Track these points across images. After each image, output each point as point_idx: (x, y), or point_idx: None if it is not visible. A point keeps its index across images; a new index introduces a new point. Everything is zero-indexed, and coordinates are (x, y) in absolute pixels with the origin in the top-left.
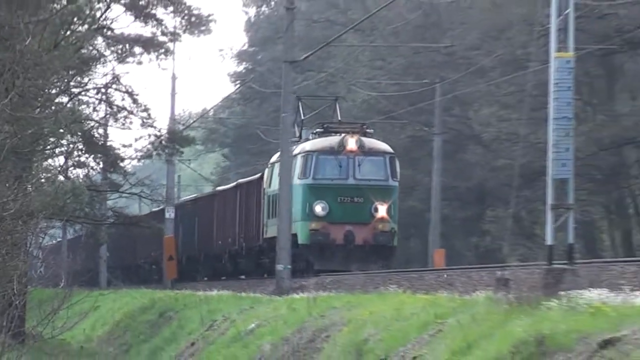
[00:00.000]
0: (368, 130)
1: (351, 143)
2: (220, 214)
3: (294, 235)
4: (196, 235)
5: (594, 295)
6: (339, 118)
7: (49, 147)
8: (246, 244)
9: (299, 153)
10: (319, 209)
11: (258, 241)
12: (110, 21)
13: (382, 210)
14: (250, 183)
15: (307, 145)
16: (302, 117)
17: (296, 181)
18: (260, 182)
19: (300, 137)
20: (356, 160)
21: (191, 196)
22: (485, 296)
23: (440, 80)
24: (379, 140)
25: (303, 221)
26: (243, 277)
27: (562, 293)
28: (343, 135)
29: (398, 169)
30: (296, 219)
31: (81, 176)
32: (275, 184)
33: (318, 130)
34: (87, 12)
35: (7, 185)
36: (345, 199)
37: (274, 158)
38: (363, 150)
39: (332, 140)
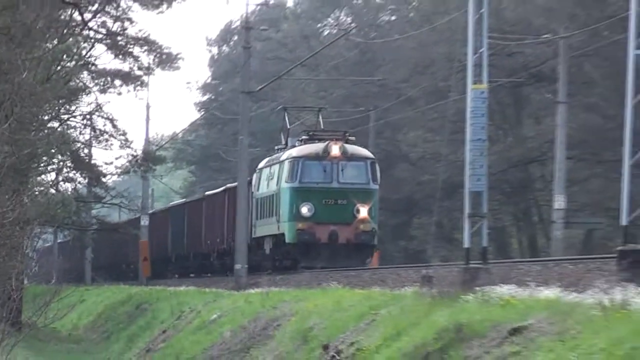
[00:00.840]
0: (350, 137)
1: (335, 149)
2: (209, 217)
3: (282, 235)
4: (185, 236)
5: (505, 290)
6: (322, 127)
7: (42, 164)
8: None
9: (286, 159)
10: (305, 210)
11: (246, 241)
12: (94, 58)
13: (363, 212)
14: (238, 188)
15: (294, 152)
16: (288, 126)
17: (284, 185)
18: (249, 187)
19: (286, 144)
20: (339, 165)
21: (180, 201)
22: (412, 291)
23: (374, 108)
24: (360, 146)
25: (290, 221)
26: (209, 274)
27: (477, 288)
28: (327, 142)
29: (378, 174)
30: (284, 219)
31: (69, 189)
32: (263, 188)
33: (304, 137)
34: (75, 50)
35: (6, 197)
36: (329, 201)
37: (262, 163)
38: (346, 156)
39: (317, 146)
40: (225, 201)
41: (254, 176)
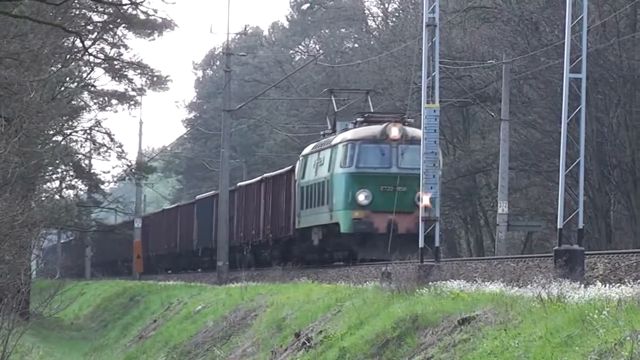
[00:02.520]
0: (409, 119)
1: (394, 131)
2: (241, 208)
3: (336, 225)
4: (213, 230)
5: (455, 285)
6: (371, 110)
7: (47, 174)
8: (274, 236)
9: (340, 142)
10: (362, 197)
11: (288, 232)
12: (94, 80)
13: (425, 199)
14: (277, 177)
15: (349, 134)
16: (336, 109)
17: (338, 170)
18: (290, 175)
19: (333, 128)
20: (399, 149)
21: (209, 193)
22: (373, 286)
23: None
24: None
25: (345, 210)
26: (199, 270)
27: (431, 283)
28: (386, 123)
29: (441, 158)
30: (338, 207)
31: (72, 195)
32: (310, 175)
33: (358, 119)
34: (77, 73)
35: (16, 202)
36: (388, 187)
37: (308, 149)
38: (406, 139)
39: (374, 128)
40: (262, 192)
41: (298, 164)
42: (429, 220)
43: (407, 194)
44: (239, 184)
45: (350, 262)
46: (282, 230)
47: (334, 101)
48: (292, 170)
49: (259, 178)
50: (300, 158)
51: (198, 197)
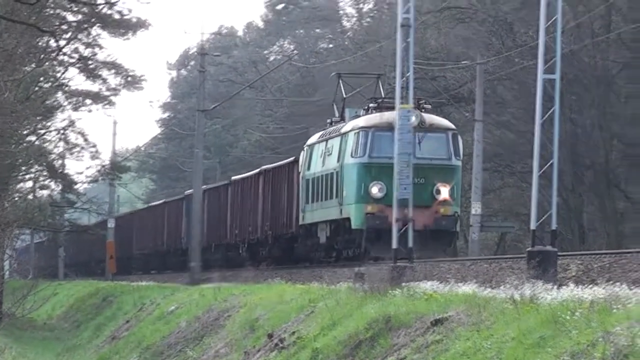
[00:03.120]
0: (425, 105)
1: (411, 118)
2: (236, 204)
3: (346, 220)
4: (205, 227)
5: (428, 286)
6: (382, 96)
7: (21, 174)
8: (273, 233)
9: (351, 130)
10: (375, 190)
11: (290, 229)
12: (68, 80)
13: (444, 192)
14: (278, 169)
15: (361, 121)
16: (344, 95)
17: (349, 160)
18: (293, 167)
19: (341, 116)
20: (416, 137)
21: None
22: (346, 286)
23: (313, 125)
24: (439, 116)
25: (357, 204)
26: (169, 271)
27: (404, 284)
28: None
29: (461, 147)
30: (349, 201)
31: (45, 196)
32: (316, 166)
33: (371, 105)
34: (51, 73)
35: None
36: None
37: (314, 139)
38: (423, 127)
39: (389, 115)
40: (260, 186)
41: (302, 154)
42: (447, 217)
43: (425, 186)
44: (234, 177)
45: (363, 260)
46: (284, 226)
47: (342, 87)
48: (295, 161)
49: (256, 170)
50: (305, 148)
51: (187, 192)
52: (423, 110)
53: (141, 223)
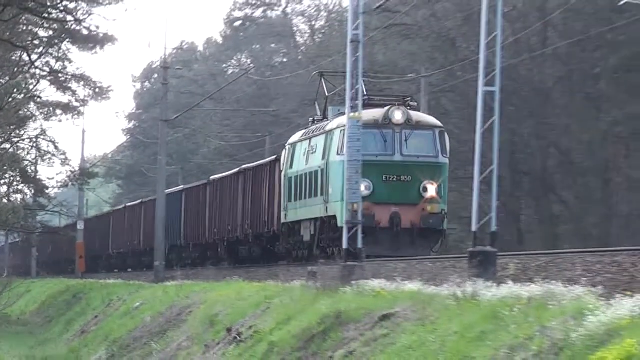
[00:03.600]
0: (411, 102)
1: (398, 115)
2: (215, 204)
3: (333, 218)
4: (182, 226)
5: (376, 283)
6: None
7: None
8: (254, 232)
9: (336, 127)
10: (362, 188)
11: (272, 226)
12: (40, 92)
13: (431, 190)
14: (258, 168)
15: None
16: (327, 93)
17: (335, 158)
18: (274, 166)
19: (323, 114)
20: (403, 135)
21: (177, 187)
22: (300, 284)
23: (269, 134)
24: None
25: (344, 202)
26: (130, 270)
27: (354, 282)
28: (388, 107)
29: (448, 145)
30: (336, 199)
31: (19, 199)
32: (299, 164)
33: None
34: (24, 85)
35: None
36: (391, 177)
37: (296, 137)
38: (410, 124)
39: (375, 112)
40: (239, 185)
41: (284, 153)
42: (434, 215)
43: (412, 184)
44: (212, 177)
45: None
46: (265, 225)
47: (324, 85)
48: (277, 160)
49: (236, 170)
50: (287, 147)
51: (168, 191)
52: (409, 107)
53: (118, 223)
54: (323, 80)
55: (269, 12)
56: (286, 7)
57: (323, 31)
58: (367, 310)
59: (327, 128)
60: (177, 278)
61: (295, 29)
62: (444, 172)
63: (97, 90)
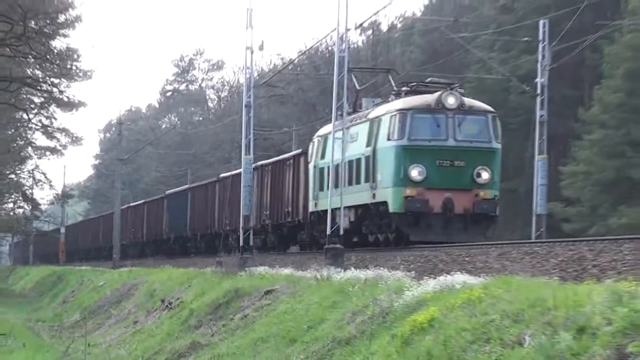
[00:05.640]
0: (459, 89)
1: (451, 100)
2: (225, 198)
3: (383, 204)
4: (189, 219)
5: (262, 269)
6: (394, 88)
7: (5, 199)
8: (273, 222)
9: (385, 113)
10: (415, 173)
11: (297, 216)
12: (34, 139)
13: (485, 176)
14: (277, 163)
15: (399, 104)
16: (358, 87)
17: (384, 143)
18: (298, 160)
19: (354, 109)
20: (456, 120)
21: (181, 187)
22: (210, 270)
23: (189, 168)
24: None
25: (396, 187)
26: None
27: (247, 269)
28: (441, 91)
29: (500, 131)
30: (386, 184)
31: (21, 212)
32: (329, 155)
33: (403, 89)
34: (23, 135)
35: None
36: (444, 162)
37: (327, 129)
38: (463, 109)
39: (428, 97)
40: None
41: (312, 146)
42: (487, 200)
43: (466, 169)
44: (222, 175)
45: (398, 244)
46: (288, 215)
47: (354, 80)
48: (302, 154)
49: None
50: (315, 139)
51: (168, 192)
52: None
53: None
54: (353, 75)
55: (189, 86)
56: (201, 82)
57: (226, 99)
58: (256, 287)
59: (371, 115)
60: (128, 265)
61: (207, 97)
62: (497, 157)
63: (74, 138)
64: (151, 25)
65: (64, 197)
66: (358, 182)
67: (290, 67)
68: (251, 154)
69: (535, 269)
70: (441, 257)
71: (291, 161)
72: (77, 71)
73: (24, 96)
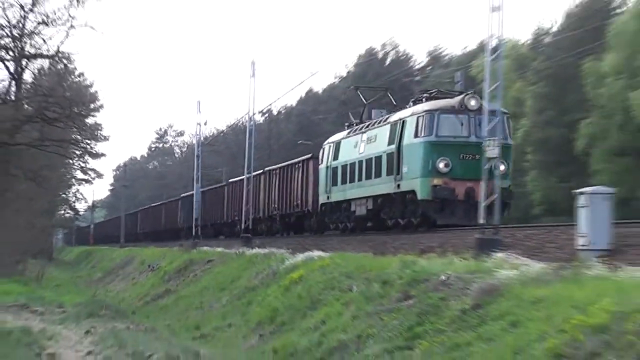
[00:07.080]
0: (475, 95)
1: (472, 102)
2: (233, 196)
3: (411, 192)
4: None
5: (206, 248)
6: (395, 104)
7: (59, 209)
8: (280, 212)
9: (410, 115)
10: (442, 165)
11: (306, 207)
12: (76, 176)
13: (501, 168)
14: (286, 168)
15: (425, 106)
16: (365, 102)
17: (412, 140)
18: (307, 163)
19: (361, 118)
20: (477, 119)
21: (189, 192)
22: (177, 248)
23: (166, 194)
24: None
25: (424, 177)
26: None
27: (197, 248)
28: (463, 95)
29: (511, 130)
30: (415, 175)
31: (69, 215)
32: (349, 155)
33: (425, 95)
34: (70, 173)
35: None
36: (467, 156)
37: (338, 137)
38: (482, 110)
39: (451, 100)
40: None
41: (322, 151)
42: (503, 189)
43: (485, 163)
44: (230, 180)
45: (428, 228)
46: (297, 206)
47: (361, 96)
48: (311, 159)
49: (260, 171)
50: (326, 146)
51: (182, 195)
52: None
53: (145, 216)
54: (359, 92)
55: (164, 145)
56: (171, 142)
57: (185, 152)
58: (202, 258)
59: (392, 119)
60: (129, 245)
61: (174, 151)
62: (510, 152)
63: (98, 174)
64: (142, 107)
65: (92, 207)
66: (378, 176)
67: (222, 134)
68: (199, 184)
69: (358, 249)
70: (306, 242)
71: (300, 164)
72: (100, 136)
73: (70, 150)
